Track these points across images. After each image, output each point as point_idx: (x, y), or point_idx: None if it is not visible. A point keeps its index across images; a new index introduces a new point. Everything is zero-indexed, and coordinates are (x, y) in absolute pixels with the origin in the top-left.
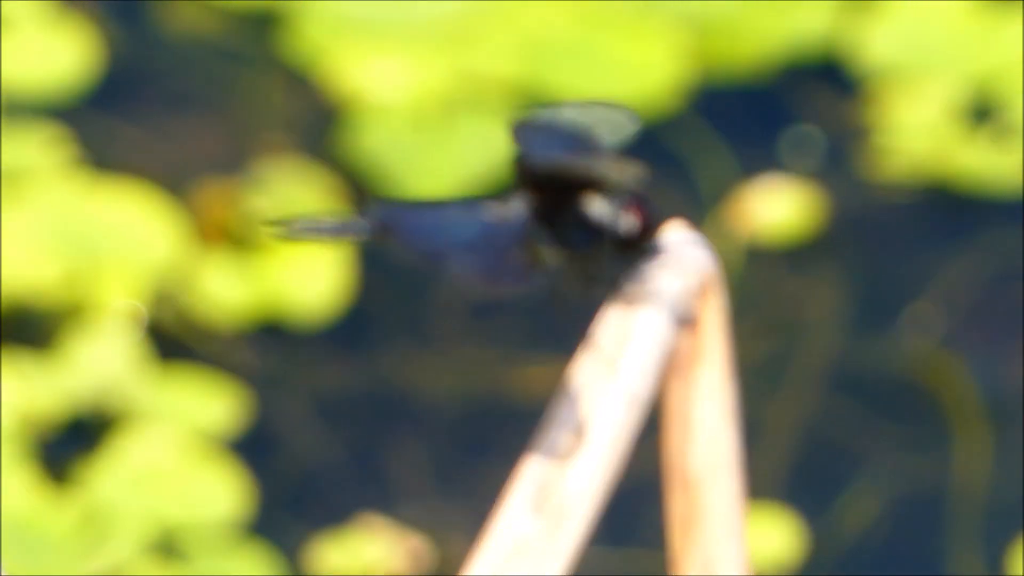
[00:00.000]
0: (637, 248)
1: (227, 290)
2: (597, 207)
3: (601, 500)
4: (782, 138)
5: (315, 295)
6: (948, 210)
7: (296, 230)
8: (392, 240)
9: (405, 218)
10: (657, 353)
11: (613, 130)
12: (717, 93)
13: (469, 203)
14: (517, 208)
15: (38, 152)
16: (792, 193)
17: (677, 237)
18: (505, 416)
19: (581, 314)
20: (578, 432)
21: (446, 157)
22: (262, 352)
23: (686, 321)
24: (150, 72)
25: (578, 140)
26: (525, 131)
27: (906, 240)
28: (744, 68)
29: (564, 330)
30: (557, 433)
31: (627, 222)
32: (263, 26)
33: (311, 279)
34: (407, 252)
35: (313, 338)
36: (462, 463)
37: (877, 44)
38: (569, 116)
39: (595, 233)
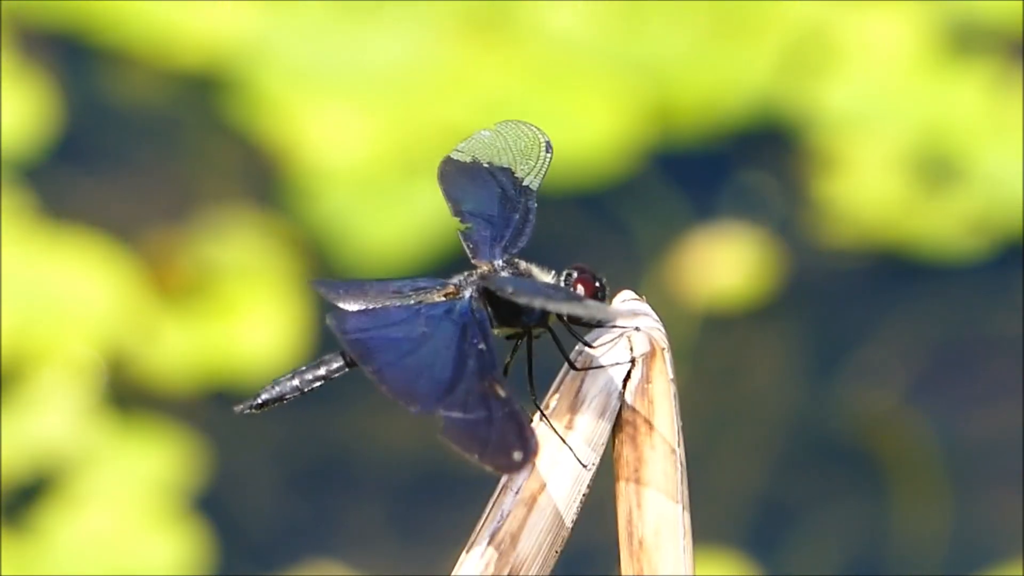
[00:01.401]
0: (586, 318)
1: (182, 341)
2: (546, 281)
3: (551, 564)
4: (730, 198)
5: (271, 345)
6: (897, 273)
7: (262, 402)
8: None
9: (371, 347)
10: (607, 419)
11: (529, 159)
12: (665, 153)
13: (418, 292)
14: (467, 290)
15: None
16: (741, 253)
17: (625, 306)
18: (461, 471)
19: (534, 380)
20: (529, 497)
21: (396, 213)
22: (218, 402)
23: (634, 386)
24: (103, 130)
25: (502, 184)
26: (452, 178)
27: (854, 301)
28: (693, 129)
29: (519, 393)
30: (508, 497)
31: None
32: (210, 89)
33: (267, 329)
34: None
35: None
36: (419, 514)
37: (828, 102)
38: (486, 143)
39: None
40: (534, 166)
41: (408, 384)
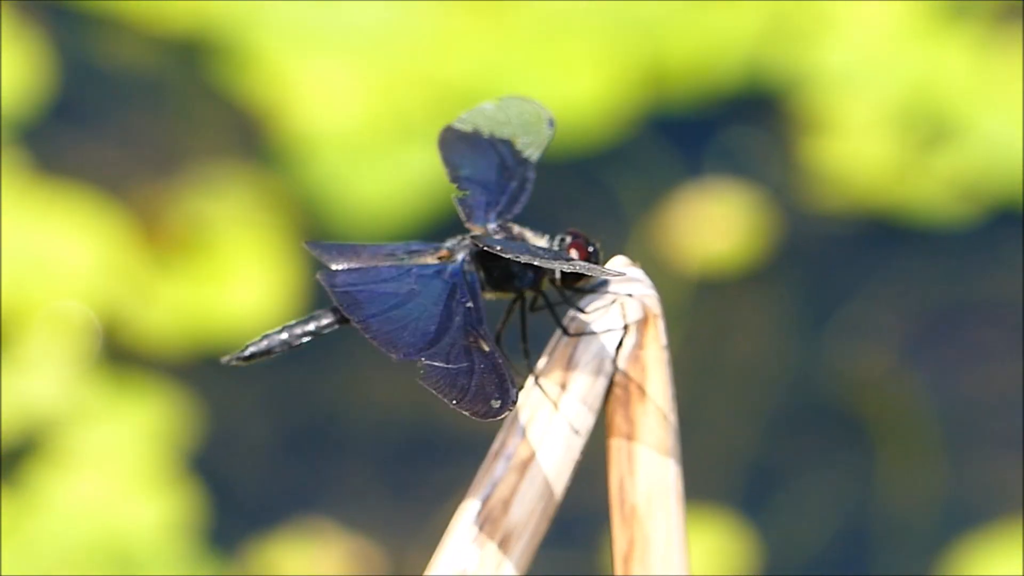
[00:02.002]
0: (579, 284)
1: (173, 299)
2: (539, 245)
3: (544, 531)
4: (721, 161)
5: (262, 303)
6: (887, 236)
7: (250, 354)
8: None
9: (359, 299)
10: (600, 386)
11: (531, 132)
12: (656, 116)
13: (412, 255)
14: (460, 253)
15: None
16: (732, 216)
17: (618, 271)
18: (456, 428)
19: (528, 346)
20: (521, 463)
21: (388, 174)
22: (209, 361)
23: (627, 353)
24: (95, 91)
25: (501, 154)
26: (451, 144)
27: (845, 264)
28: (684, 91)
29: (514, 356)
30: (500, 464)
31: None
32: (202, 51)
33: (258, 287)
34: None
35: None
36: (410, 473)
37: (818, 64)
38: (488, 115)
39: (538, 271)
40: (535, 140)
41: (392, 334)
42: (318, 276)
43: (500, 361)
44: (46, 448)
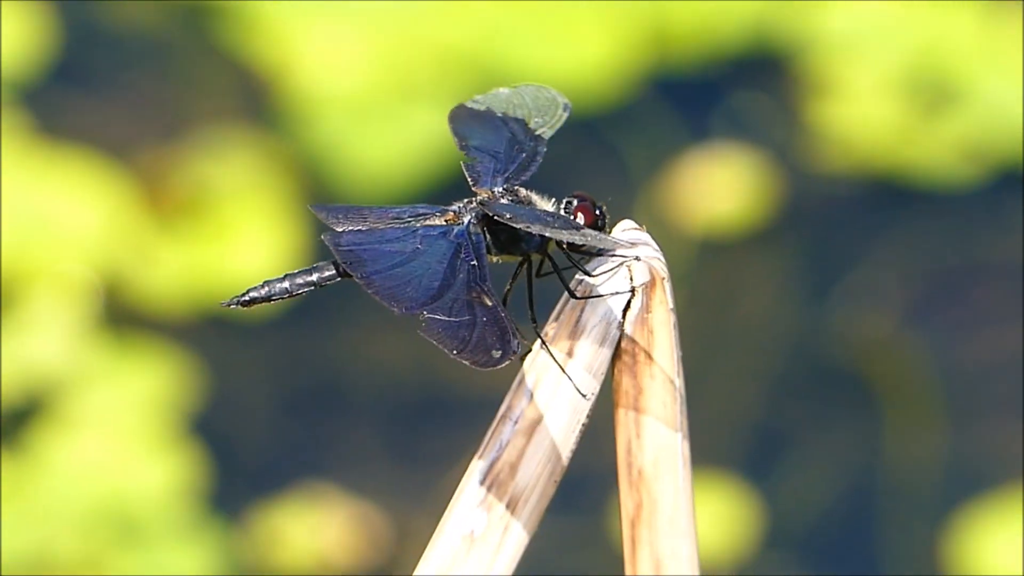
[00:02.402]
0: (586, 247)
1: (176, 261)
2: (546, 208)
3: (550, 494)
4: (726, 123)
5: (265, 265)
6: (892, 198)
7: (249, 299)
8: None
9: (363, 257)
10: (607, 349)
11: (545, 115)
12: (662, 78)
13: (418, 218)
14: (467, 216)
15: None
16: (737, 178)
17: (625, 234)
18: (461, 391)
19: (535, 308)
20: (528, 426)
21: (392, 136)
22: (212, 323)
23: (634, 316)
24: (99, 53)
25: (513, 130)
26: (463, 119)
27: (850, 226)
28: (689, 53)
29: (522, 320)
30: (507, 427)
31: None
32: (206, 13)
33: (261, 249)
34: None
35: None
36: (415, 437)
37: (824, 27)
38: (503, 99)
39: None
40: (549, 120)
41: (395, 289)
42: (323, 237)
43: (503, 314)
44: (49, 410)
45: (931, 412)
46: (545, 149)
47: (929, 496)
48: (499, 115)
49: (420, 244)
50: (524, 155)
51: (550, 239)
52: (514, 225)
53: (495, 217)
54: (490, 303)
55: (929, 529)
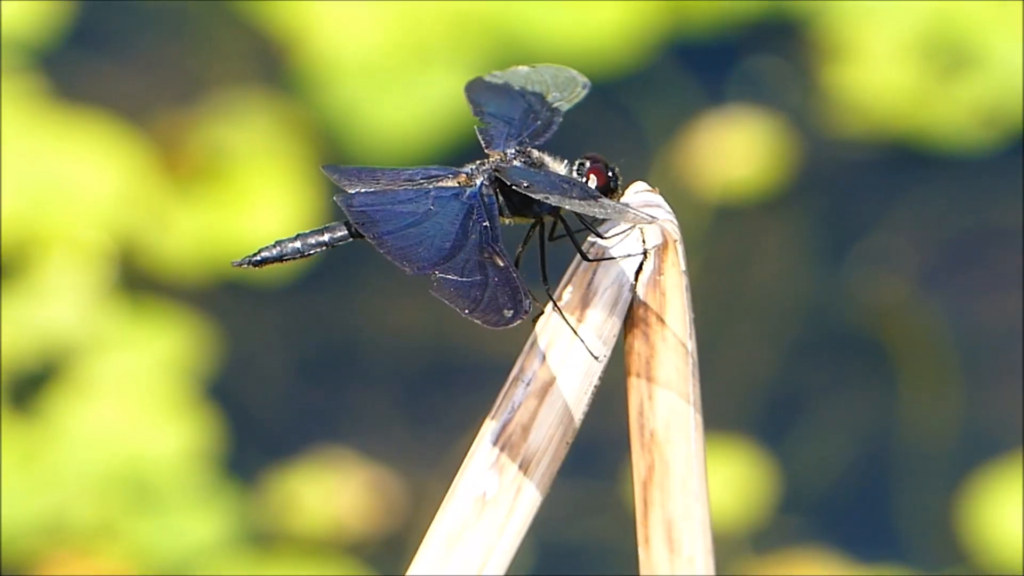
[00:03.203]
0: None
1: (192, 226)
2: (559, 172)
3: (562, 456)
4: (741, 88)
5: (281, 230)
6: (907, 163)
7: (261, 259)
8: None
9: (375, 218)
10: (619, 311)
11: (564, 91)
12: (677, 42)
13: (431, 179)
14: (480, 178)
15: (5, 87)
16: (752, 143)
17: (638, 196)
18: (476, 356)
19: (547, 270)
20: (540, 388)
21: (407, 101)
22: (228, 288)
23: (646, 278)
24: (114, 16)
25: (530, 101)
26: (479, 90)
27: (865, 191)
28: (704, 18)
29: (534, 283)
30: (519, 389)
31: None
32: None
33: (277, 214)
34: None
35: (282, 273)
36: (429, 401)
37: None
38: (522, 76)
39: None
40: (566, 95)
41: (407, 249)
42: (335, 198)
43: (514, 275)
44: (65, 376)
45: (946, 377)
46: (560, 119)
47: (943, 460)
48: (517, 88)
49: (432, 205)
50: (539, 123)
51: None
52: (533, 196)
53: (512, 186)
54: (502, 264)
55: (943, 493)
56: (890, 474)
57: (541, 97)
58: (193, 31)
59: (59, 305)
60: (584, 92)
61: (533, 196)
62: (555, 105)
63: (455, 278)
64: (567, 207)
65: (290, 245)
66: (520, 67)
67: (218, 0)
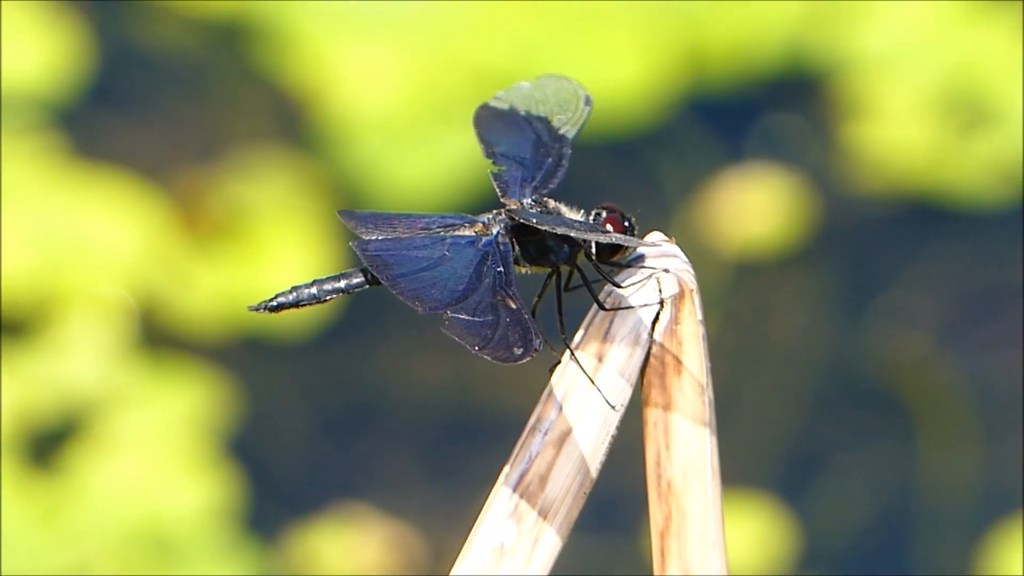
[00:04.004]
0: (615, 258)
1: (212, 283)
2: (574, 218)
3: (580, 506)
4: (761, 144)
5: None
6: (926, 219)
7: (278, 304)
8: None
9: (390, 262)
10: (636, 360)
11: (567, 110)
12: (696, 99)
13: (447, 228)
14: (496, 227)
15: (26, 145)
16: (771, 199)
17: (654, 247)
18: (496, 412)
19: (563, 320)
20: (558, 438)
21: (427, 157)
22: (248, 345)
23: (663, 327)
24: (135, 74)
25: (537, 131)
26: (487, 123)
27: (884, 247)
28: (724, 74)
29: (551, 332)
30: (536, 439)
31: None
32: (241, 34)
33: (296, 271)
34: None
35: (302, 328)
36: (449, 457)
37: (858, 47)
38: (525, 94)
39: (573, 244)
40: (572, 117)
41: (420, 291)
42: (351, 244)
43: (526, 315)
44: (86, 432)
45: (964, 432)
46: (570, 151)
47: (962, 515)
48: (522, 114)
49: (448, 252)
50: (550, 160)
51: (578, 250)
52: (541, 227)
53: (523, 221)
54: (514, 306)
55: (962, 548)
56: (908, 529)
57: (547, 123)
58: (213, 89)
59: (80, 361)
60: (588, 109)
61: (540, 227)
62: (562, 131)
63: (467, 317)
64: (573, 235)
65: (307, 291)
66: (522, 83)
67: (238, 58)
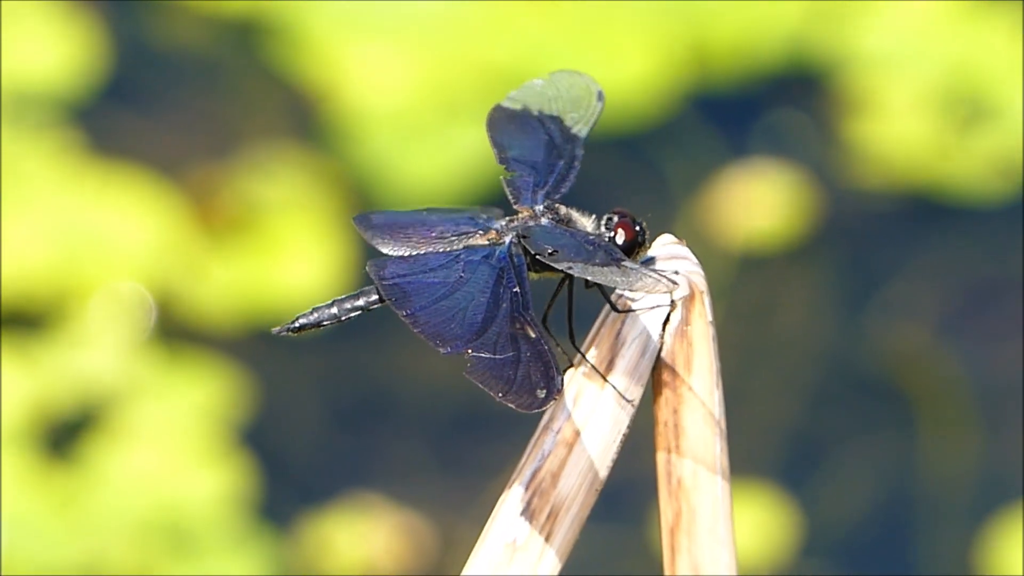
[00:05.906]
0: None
1: (226, 277)
2: (586, 229)
3: (592, 503)
4: (764, 140)
5: (314, 281)
6: (927, 213)
7: (299, 326)
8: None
9: (408, 291)
10: (646, 360)
11: (580, 108)
12: (700, 95)
13: (461, 237)
14: (508, 235)
15: (42, 141)
16: (775, 194)
17: (665, 249)
18: (500, 406)
19: (574, 323)
20: (570, 437)
21: (437, 154)
22: (262, 337)
23: (673, 329)
24: (150, 71)
25: (550, 131)
26: (500, 125)
27: (886, 241)
28: (728, 71)
29: (561, 332)
30: (549, 437)
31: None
32: (254, 32)
33: (310, 265)
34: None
35: None
36: (460, 448)
37: (859, 44)
38: (537, 91)
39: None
40: (584, 115)
41: (440, 327)
42: (367, 268)
43: (546, 348)
44: (102, 423)
45: (964, 422)
46: (582, 152)
47: (963, 505)
48: (535, 114)
49: (463, 272)
50: (562, 163)
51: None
52: (558, 266)
53: (536, 255)
54: (533, 335)
55: (963, 538)
56: (910, 518)
57: (559, 122)
58: (227, 85)
59: (97, 354)
60: (600, 105)
61: (558, 266)
62: (575, 131)
63: (488, 356)
64: (589, 278)
65: (327, 311)
66: (535, 80)
67: (251, 55)
